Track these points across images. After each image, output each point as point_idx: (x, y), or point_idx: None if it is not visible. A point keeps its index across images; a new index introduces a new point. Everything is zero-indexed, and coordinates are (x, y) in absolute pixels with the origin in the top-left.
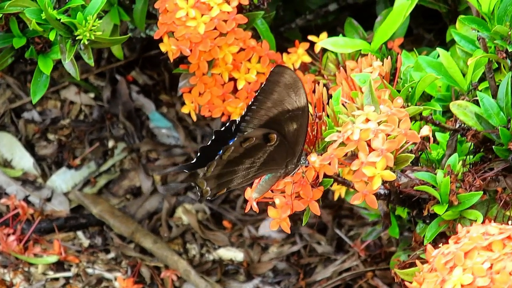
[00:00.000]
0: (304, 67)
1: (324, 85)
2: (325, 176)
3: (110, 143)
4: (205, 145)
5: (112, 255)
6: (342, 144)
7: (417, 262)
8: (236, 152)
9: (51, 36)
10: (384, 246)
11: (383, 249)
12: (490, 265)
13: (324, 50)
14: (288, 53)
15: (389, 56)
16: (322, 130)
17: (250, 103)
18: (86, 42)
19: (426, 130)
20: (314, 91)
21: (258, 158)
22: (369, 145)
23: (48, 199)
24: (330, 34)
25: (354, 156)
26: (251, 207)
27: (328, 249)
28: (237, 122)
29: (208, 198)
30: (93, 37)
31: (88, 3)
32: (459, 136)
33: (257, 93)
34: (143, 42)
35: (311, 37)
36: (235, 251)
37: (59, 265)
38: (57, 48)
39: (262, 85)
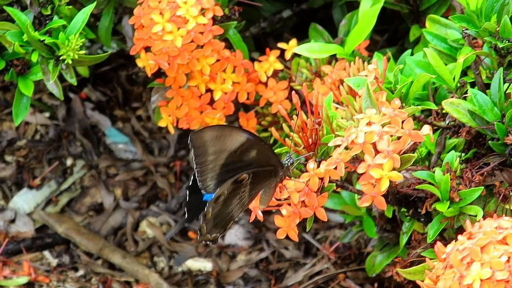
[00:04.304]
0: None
1: (297, 91)
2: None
3: (69, 161)
4: (187, 201)
5: (81, 272)
6: (346, 148)
7: (427, 260)
8: (216, 207)
9: (34, 58)
10: (353, 247)
11: (353, 250)
12: (507, 259)
13: (293, 56)
14: (259, 61)
15: (375, 59)
16: (320, 136)
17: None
18: (70, 62)
19: (426, 129)
20: (290, 98)
21: (243, 192)
22: (373, 148)
23: (12, 221)
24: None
25: (355, 159)
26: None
27: (296, 253)
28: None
29: (216, 240)
30: (76, 57)
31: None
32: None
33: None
34: None
35: (280, 44)
36: (203, 261)
37: (30, 286)
38: (37, 69)
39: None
